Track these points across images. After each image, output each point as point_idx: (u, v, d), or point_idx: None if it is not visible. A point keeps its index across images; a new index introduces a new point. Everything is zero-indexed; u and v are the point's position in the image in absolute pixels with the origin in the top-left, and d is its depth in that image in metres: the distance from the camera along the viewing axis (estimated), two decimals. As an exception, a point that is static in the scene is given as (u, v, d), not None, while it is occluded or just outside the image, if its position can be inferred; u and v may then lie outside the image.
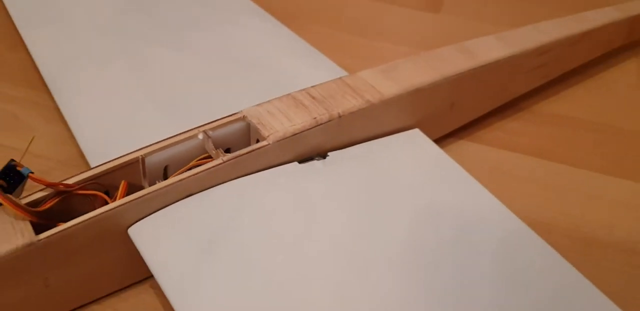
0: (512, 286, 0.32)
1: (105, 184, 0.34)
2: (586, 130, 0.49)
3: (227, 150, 0.36)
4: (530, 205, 0.42)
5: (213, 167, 0.34)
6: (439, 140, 0.45)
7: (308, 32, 0.52)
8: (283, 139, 0.35)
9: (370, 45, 0.57)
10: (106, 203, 0.32)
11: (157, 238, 0.32)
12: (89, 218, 0.31)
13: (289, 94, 0.38)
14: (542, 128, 0.49)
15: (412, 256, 0.33)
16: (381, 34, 0.59)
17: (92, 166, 0.34)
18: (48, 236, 0.30)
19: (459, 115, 0.46)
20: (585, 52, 0.52)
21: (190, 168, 0.34)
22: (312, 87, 0.39)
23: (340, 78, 0.40)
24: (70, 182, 0.33)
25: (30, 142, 0.34)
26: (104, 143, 0.38)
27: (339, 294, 0.31)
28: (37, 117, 0.48)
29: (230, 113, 0.37)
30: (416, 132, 0.42)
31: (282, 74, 0.44)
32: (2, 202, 0.30)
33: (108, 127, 0.39)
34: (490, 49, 0.44)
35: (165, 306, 0.35)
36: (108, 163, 0.34)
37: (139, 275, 0.36)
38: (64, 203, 0.32)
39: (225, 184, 0.35)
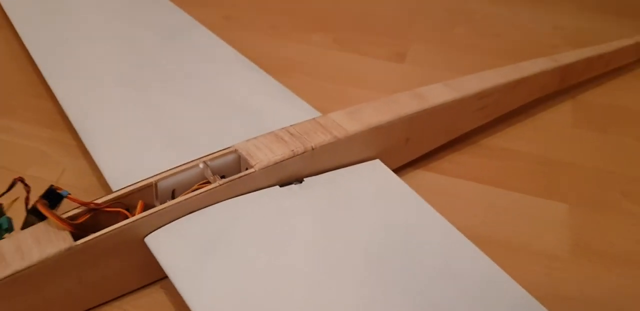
0: (448, 285, 0.40)
1: (126, 203, 0.42)
2: (525, 162, 0.59)
3: (222, 176, 0.45)
4: (474, 222, 0.51)
5: (211, 189, 0.43)
6: (398, 170, 0.54)
7: (290, 80, 0.61)
8: (267, 167, 0.44)
9: (342, 90, 0.67)
10: (127, 218, 0.41)
11: (168, 245, 0.41)
12: (115, 229, 0.40)
13: (272, 132, 0.47)
14: (487, 159, 0.59)
15: (369, 262, 0.41)
16: (352, 81, 0.69)
17: (114, 190, 0.43)
18: (83, 242, 0.39)
19: (413, 149, 0.55)
20: (522, 96, 0.62)
21: (193, 191, 0.43)
22: (291, 125, 0.48)
23: (313, 118, 0.49)
24: (99, 201, 0.41)
25: (62, 173, 0.43)
26: (124, 172, 0.47)
27: (310, 287, 0.39)
28: (63, 153, 0.57)
29: (225, 147, 0.46)
30: (377, 162, 0.51)
31: (266, 115, 0.53)
32: (49, 216, 0.39)
33: (126, 158, 0.48)
34: (438, 94, 0.54)
35: (174, 303, 0.44)
36: (128, 187, 0.43)
37: (152, 277, 0.44)
38: (94, 218, 0.41)
39: (221, 203, 0.43)
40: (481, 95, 0.56)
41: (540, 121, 0.64)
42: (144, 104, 0.54)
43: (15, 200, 0.43)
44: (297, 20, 0.81)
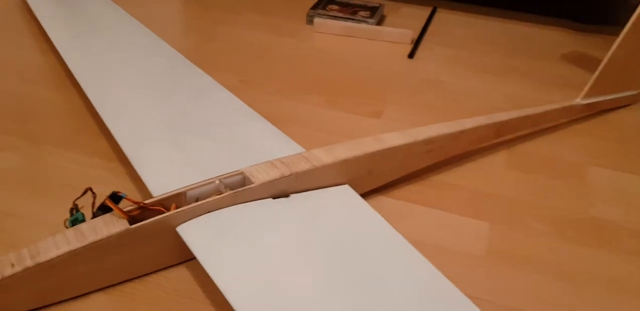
0: (392, 281, 0.56)
1: (165, 204, 0.61)
2: (462, 192, 0.77)
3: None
4: (420, 235, 0.69)
5: (223, 196, 0.61)
6: (364, 194, 0.72)
7: (289, 129, 0.79)
8: (263, 184, 0.63)
9: (329, 138, 0.86)
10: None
11: (192, 233, 0.59)
12: (156, 219, 0.58)
13: (268, 161, 0.66)
14: (433, 190, 0.77)
15: (331, 259, 0.58)
16: (337, 132, 0.88)
17: (155, 195, 0.62)
18: (135, 227, 0.57)
19: (375, 179, 0.74)
20: (463, 144, 0.80)
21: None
22: (283, 157, 0.67)
23: (300, 153, 0.69)
24: (146, 202, 0.60)
25: (116, 188, 0.62)
26: (164, 184, 0.65)
27: (288, 268, 0.56)
28: (116, 177, 0.76)
29: (235, 170, 0.65)
30: (346, 187, 0.69)
31: (266, 150, 0.72)
32: (114, 208, 0.57)
33: (166, 177, 0.67)
34: (394, 138, 0.73)
35: (196, 276, 0.61)
36: (167, 193, 0.61)
37: (181, 257, 0.62)
38: (142, 213, 0.60)
39: (230, 207, 0.62)
40: (428, 142, 0.75)
41: (477, 163, 0.83)
42: (180, 142, 0.74)
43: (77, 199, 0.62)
44: (297, 84, 1.02)
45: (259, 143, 0.75)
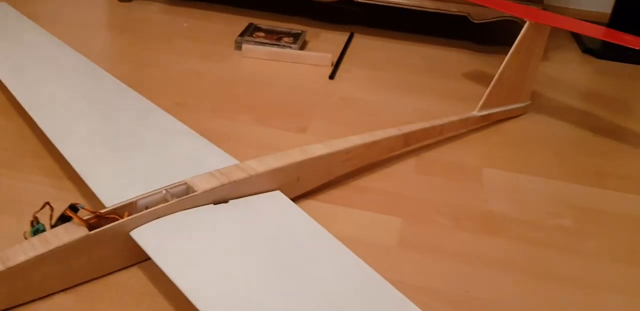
0: (322, 275, 0.66)
1: (118, 213, 0.69)
2: (378, 194, 0.89)
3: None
4: (342, 230, 0.80)
5: (170, 204, 0.70)
6: (294, 199, 0.83)
7: (223, 145, 0.89)
8: (205, 192, 0.73)
9: (260, 152, 0.96)
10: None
11: (144, 236, 0.67)
12: (112, 225, 0.66)
13: (208, 172, 0.76)
14: (353, 193, 0.88)
15: (268, 253, 0.68)
16: (267, 146, 0.99)
17: (108, 205, 0.70)
18: (94, 232, 0.65)
19: (303, 185, 0.85)
20: (376, 153, 0.93)
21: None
22: (221, 168, 0.77)
23: (236, 164, 0.79)
24: (102, 211, 0.68)
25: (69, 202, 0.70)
26: (115, 195, 0.73)
27: (229, 262, 0.66)
28: (65, 192, 0.83)
29: (179, 181, 0.74)
30: (278, 193, 0.80)
31: (206, 164, 0.81)
32: (74, 217, 0.65)
33: (115, 187, 0.75)
34: (317, 149, 0.84)
35: (150, 276, 0.70)
36: (120, 203, 0.70)
37: (135, 259, 0.70)
38: (99, 221, 0.68)
39: (177, 213, 0.71)
40: (347, 151, 0.87)
41: (390, 169, 0.95)
42: (125, 159, 0.82)
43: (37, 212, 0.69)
44: (229, 105, 1.12)
45: (197, 158, 0.84)
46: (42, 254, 0.63)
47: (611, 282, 0.76)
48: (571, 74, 1.42)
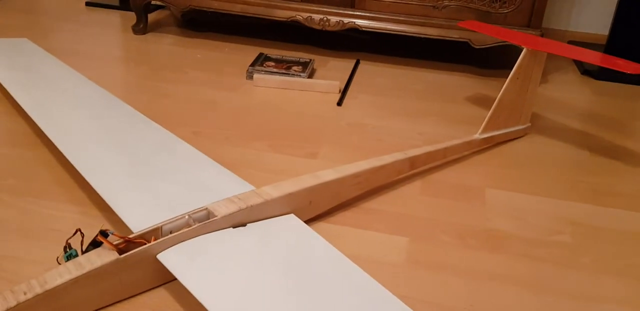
0: (335, 292, 0.72)
1: (145, 237, 0.75)
2: (386, 215, 0.94)
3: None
4: (355, 250, 0.85)
5: (192, 229, 0.76)
6: (307, 221, 0.88)
7: (238, 171, 0.95)
8: (224, 217, 0.78)
9: (273, 177, 1.02)
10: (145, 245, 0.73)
11: (170, 258, 0.73)
12: (140, 249, 0.72)
13: (227, 198, 0.82)
14: (362, 215, 0.94)
15: (286, 273, 0.74)
16: (280, 172, 1.04)
17: (135, 231, 0.76)
18: (124, 256, 0.71)
19: (315, 208, 0.90)
20: (384, 176, 0.98)
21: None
22: (239, 194, 0.83)
23: (252, 190, 0.84)
24: (130, 236, 0.74)
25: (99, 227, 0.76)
26: (141, 222, 0.79)
27: (251, 280, 0.71)
28: (95, 220, 0.89)
29: (200, 207, 0.80)
30: (292, 216, 0.85)
31: (224, 190, 0.87)
32: (105, 242, 0.71)
33: (141, 214, 0.81)
34: (328, 174, 0.90)
35: (175, 296, 0.75)
36: (146, 229, 0.75)
37: (162, 280, 0.76)
38: (127, 245, 0.73)
39: (198, 237, 0.76)
40: (356, 176, 0.93)
41: (397, 191, 1.00)
42: (149, 187, 0.88)
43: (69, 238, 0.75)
44: (243, 133, 1.18)
45: (215, 184, 0.90)
46: (77, 277, 0.68)
47: (608, 294, 0.80)
48: (570, 95, 1.48)
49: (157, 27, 1.80)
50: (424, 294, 0.78)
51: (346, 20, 1.55)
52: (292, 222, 0.84)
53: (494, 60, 1.65)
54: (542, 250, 0.88)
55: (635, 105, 1.44)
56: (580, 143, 1.23)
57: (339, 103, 1.35)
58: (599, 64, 1.09)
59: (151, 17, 1.80)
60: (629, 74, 1.05)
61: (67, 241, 0.76)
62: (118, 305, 0.74)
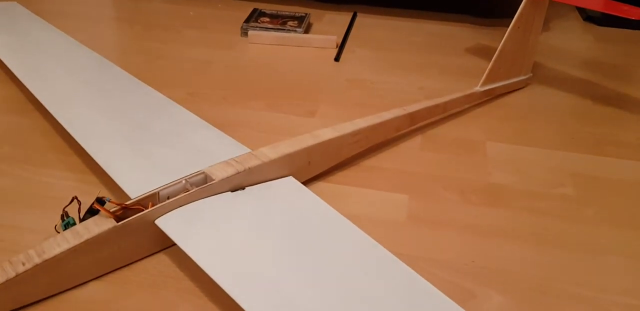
0: (334, 252, 0.72)
1: (142, 203, 0.74)
2: (387, 173, 0.93)
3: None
4: (354, 210, 0.84)
5: (190, 193, 0.75)
6: (305, 182, 0.87)
7: (235, 133, 0.93)
8: (222, 180, 0.77)
9: (271, 138, 1.00)
10: (143, 211, 0.73)
11: (168, 223, 0.72)
12: (137, 216, 0.71)
13: (224, 161, 0.80)
14: (363, 173, 0.92)
15: (284, 234, 0.73)
16: (278, 131, 1.03)
17: (132, 197, 0.75)
18: (121, 223, 0.70)
19: (314, 169, 0.89)
20: (383, 133, 0.96)
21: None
22: (235, 157, 0.81)
23: (250, 152, 0.83)
24: (127, 203, 0.73)
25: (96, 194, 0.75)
26: (138, 187, 0.78)
27: (249, 243, 0.71)
28: (93, 187, 0.88)
29: (197, 171, 0.79)
30: (290, 178, 0.84)
31: (220, 153, 0.85)
32: (102, 210, 0.70)
33: (138, 179, 0.80)
34: (327, 133, 0.88)
35: (175, 261, 0.75)
36: (143, 195, 0.75)
37: (161, 245, 0.76)
38: (125, 212, 0.73)
39: (197, 201, 0.76)
40: (355, 133, 0.91)
41: (397, 148, 0.99)
42: (145, 151, 0.87)
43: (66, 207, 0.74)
44: (239, 93, 1.16)
45: (212, 148, 0.89)
46: (75, 246, 0.68)
47: (612, 246, 0.80)
48: (572, 42, 1.44)
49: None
50: (424, 251, 0.78)
51: (341, -29, 1.50)
52: (291, 184, 0.83)
53: (494, 9, 1.60)
54: (545, 203, 0.87)
55: (638, 51, 1.40)
56: (582, 93, 1.20)
57: (337, 59, 1.32)
58: (602, 10, 1.05)
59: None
60: (634, 19, 1.02)
61: (63, 209, 0.76)
62: (117, 271, 0.74)
